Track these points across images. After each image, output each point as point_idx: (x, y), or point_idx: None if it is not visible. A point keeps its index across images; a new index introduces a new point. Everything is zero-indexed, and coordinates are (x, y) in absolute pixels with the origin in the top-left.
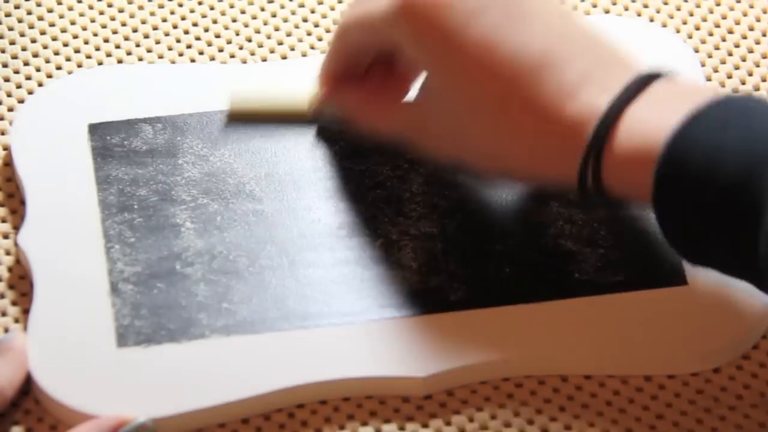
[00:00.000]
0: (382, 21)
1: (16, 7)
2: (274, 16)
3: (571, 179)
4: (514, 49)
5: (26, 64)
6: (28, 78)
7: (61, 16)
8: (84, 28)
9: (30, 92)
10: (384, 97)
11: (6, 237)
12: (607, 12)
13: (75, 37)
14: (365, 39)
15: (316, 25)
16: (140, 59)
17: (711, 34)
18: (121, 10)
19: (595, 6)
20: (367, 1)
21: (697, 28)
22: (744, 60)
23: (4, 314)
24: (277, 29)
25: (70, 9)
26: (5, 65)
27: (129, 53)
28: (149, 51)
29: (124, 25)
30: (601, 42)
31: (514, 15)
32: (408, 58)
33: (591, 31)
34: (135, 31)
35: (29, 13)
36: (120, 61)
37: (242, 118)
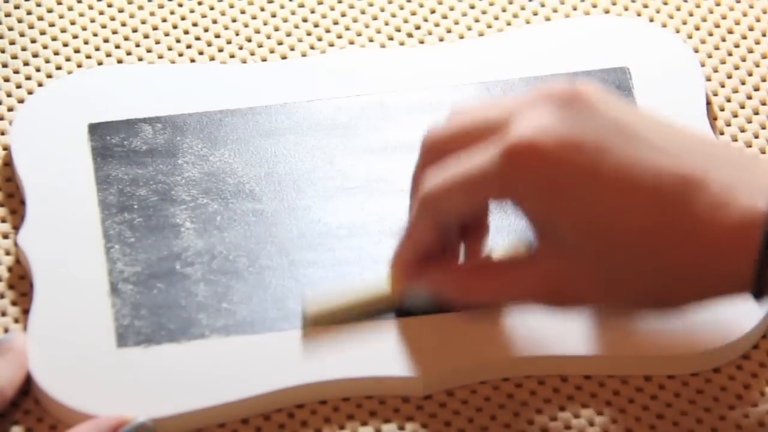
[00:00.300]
0: (488, 179)
1: (16, 7)
2: (274, 16)
3: (739, 284)
4: (652, 177)
5: (26, 64)
6: (28, 78)
7: (61, 16)
8: (84, 28)
9: (30, 92)
10: (489, 267)
11: (6, 237)
12: (607, 12)
13: (75, 37)
14: (463, 206)
15: (316, 25)
16: (140, 59)
17: (711, 34)
18: (121, 10)
19: (595, 6)
20: (454, 161)
21: (697, 28)
22: (744, 60)
23: (4, 314)
24: (277, 29)
25: (70, 9)
26: (5, 65)
27: (129, 53)
28: (149, 51)
29: (124, 25)
30: (719, 144)
31: (634, 140)
32: (527, 215)
33: (701, 135)
34: (135, 31)
35: (29, 13)
36: (120, 61)
37: (323, 322)
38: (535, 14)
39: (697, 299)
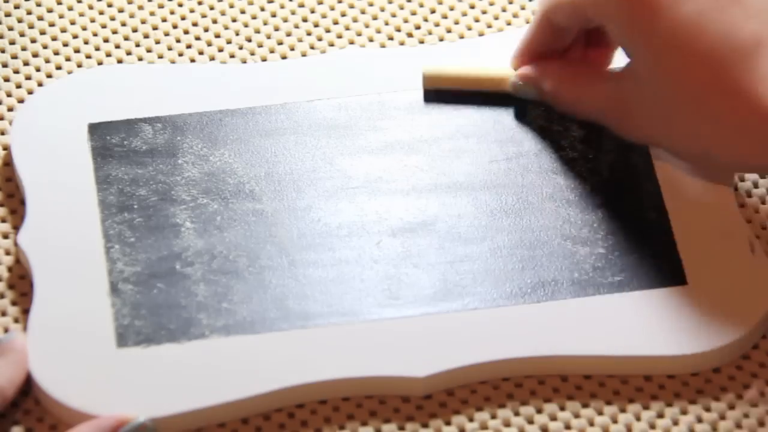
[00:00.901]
0: (590, 3)
1: (16, 7)
2: (274, 16)
3: None
4: (724, 30)
5: (26, 64)
6: (28, 78)
7: (61, 16)
8: (84, 28)
9: (30, 92)
10: (585, 73)
11: (6, 237)
12: None
13: (75, 37)
14: (570, 19)
15: (316, 25)
16: (140, 59)
17: None
18: (121, 10)
19: None
20: None
21: None
22: None
23: (4, 314)
24: (277, 29)
25: (70, 9)
26: (5, 65)
27: (129, 53)
28: (149, 51)
29: (124, 25)
30: None
31: None
32: (613, 38)
33: None
34: (135, 31)
35: (29, 13)
36: (120, 61)
37: (438, 83)
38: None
39: (737, 162)
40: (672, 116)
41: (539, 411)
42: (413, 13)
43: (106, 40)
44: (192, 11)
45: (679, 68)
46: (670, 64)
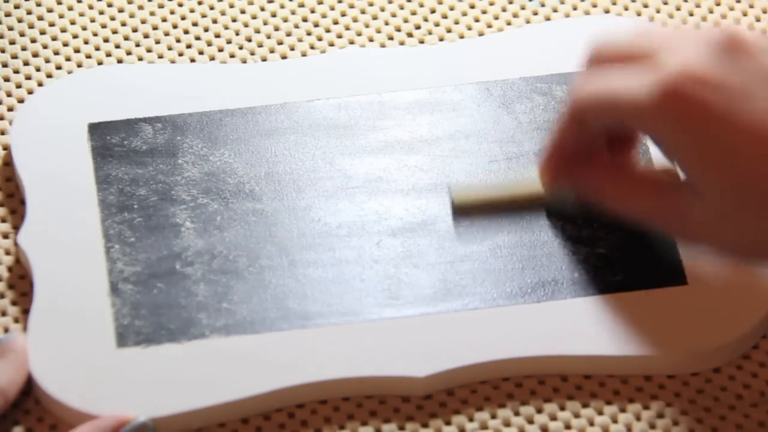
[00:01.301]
0: (635, 108)
1: (16, 7)
2: (273, 16)
3: None
4: None
5: (26, 64)
6: (28, 78)
7: (61, 16)
8: (84, 28)
9: (30, 92)
10: (631, 184)
11: (6, 237)
12: (607, 12)
13: (75, 37)
14: (608, 122)
15: (316, 25)
16: (140, 59)
17: None
18: (121, 10)
19: (595, 6)
20: (609, 74)
21: (697, 28)
22: None
23: (4, 314)
24: (277, 29)
25: (70, 9)
26: (5, 65)
27: (129, 53)
28: (149, 51)
29: (123, 25)
30: None
31: None
32: (658, 147)
33: None
34: (135, 30)
35: (29, 12)
36: (120, 61)
37: (469, 208)
38: (535, 14)
39: None
40: (741, 225)
41: (539, 411)
42: (413, 13)
43: (106, 40)
44: (192, 11)
45: (748, 171)
46: (734, 174)
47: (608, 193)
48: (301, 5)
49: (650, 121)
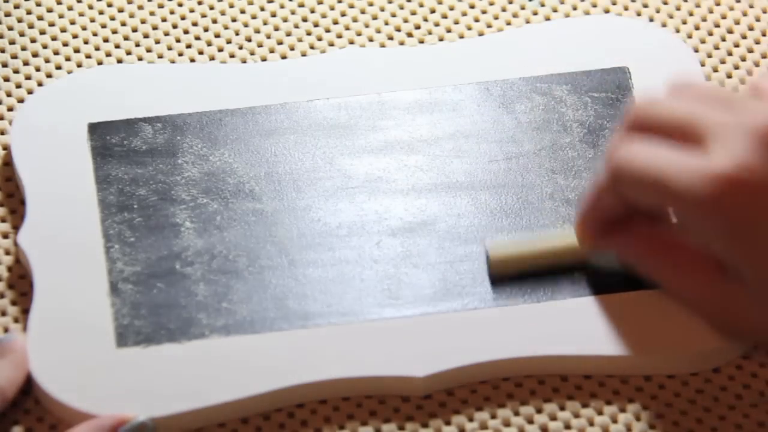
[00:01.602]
0: (685, 198)
1: (16, 6)
2: (273, 15)
3: None
4: None
5: (26, 64)
6: (28, 78)
7: (61, 16)
8: (84, 28)
9: (30, 92)
10: (669, 251)
11: (6, 237)
12: (607, 12)
13: (75, 37)
14: (647, 199)
15: (316, 25)
16: (140, 59)
17: (711, 34)
18: (120, 10)
19: (595, 6)
20: (655, 151)
21: (697, 28)
22: (744, 60)
23: (4, 314)
24: (276, 29)
25: (70, 9)
26: (5, 65)
27: (129, 53)
28: (149, 51)
29: (123, 24)
30: None
31: None
32: (704, 236)
33: None
34: (135, 30)
35: (29, 12)
36: (120, 61)
37: (506, 267)
38: (535, 14)
39: None
40: None
41: (539, 411)
42: (413, 13)
43: (106, 40)
44: (192, 11)
45: None
46: None
47: (652, 267)
48: (301, 5)
49: (698, 214)
